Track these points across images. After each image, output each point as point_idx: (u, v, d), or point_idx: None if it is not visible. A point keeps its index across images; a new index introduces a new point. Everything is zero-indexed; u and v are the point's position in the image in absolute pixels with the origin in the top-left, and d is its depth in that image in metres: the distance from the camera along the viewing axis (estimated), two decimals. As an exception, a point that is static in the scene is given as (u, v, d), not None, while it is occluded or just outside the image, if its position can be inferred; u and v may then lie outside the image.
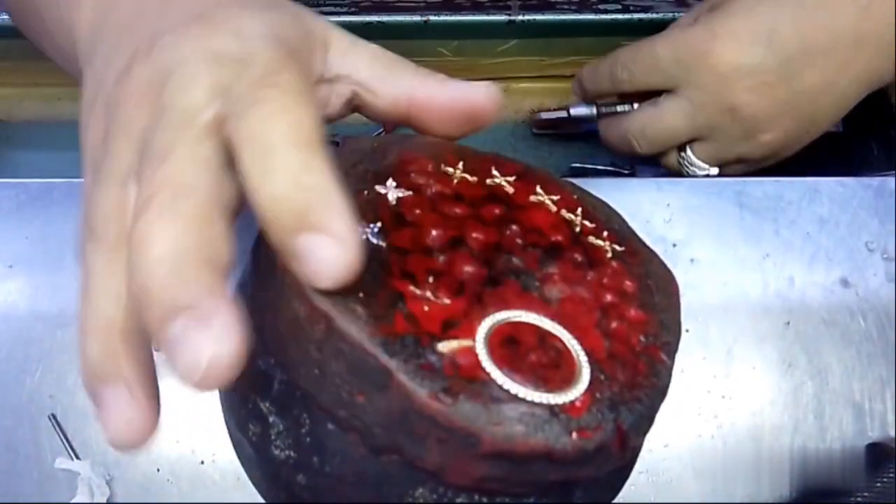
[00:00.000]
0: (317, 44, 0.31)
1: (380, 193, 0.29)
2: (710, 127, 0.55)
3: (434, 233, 0.29)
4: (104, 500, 0.48)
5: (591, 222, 0.32)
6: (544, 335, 0.27)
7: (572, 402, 0.25)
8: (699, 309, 0.51)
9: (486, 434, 0.24)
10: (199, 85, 0.26)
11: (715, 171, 0.58)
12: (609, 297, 0.29)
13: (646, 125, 0.57)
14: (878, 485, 0.45)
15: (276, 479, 0.28)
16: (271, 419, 0.27)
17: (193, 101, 0.26)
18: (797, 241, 0.52)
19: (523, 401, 0.25)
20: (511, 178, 0.32)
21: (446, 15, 0.65)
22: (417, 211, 0.29)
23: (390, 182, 0.30)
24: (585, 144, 0.70)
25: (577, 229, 0.31)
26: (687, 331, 0.50)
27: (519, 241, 0.30)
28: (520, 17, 0.65)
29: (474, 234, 0.29)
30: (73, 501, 0.48)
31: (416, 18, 0.65)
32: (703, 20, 0.54)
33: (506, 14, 0.65)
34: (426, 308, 0.26)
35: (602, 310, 0.29)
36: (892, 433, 0.49)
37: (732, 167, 0.58)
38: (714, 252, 0.52)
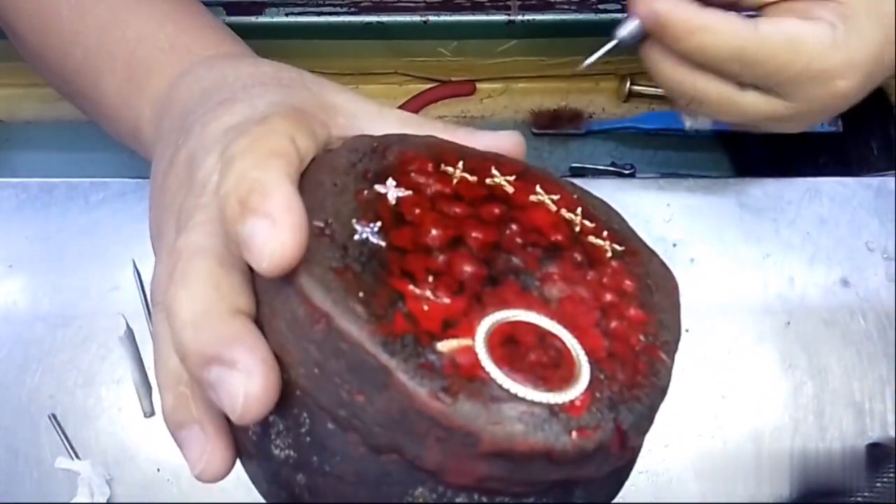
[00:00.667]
0: (334, 112, 0.33)
1: (379, 193, 0.29)
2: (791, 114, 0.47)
3: (434, 232, 0.28)
4: (104, 500, 0.48)
5: (591, 222, 0.32)
6: (544, 334, 0.27)
7: (572, 402, 0.25)
8: (699, 309, 0.51)
9: (486, 433, 0.24)
10: (210, 157, 0.30)
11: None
12: (609, 297, 0.29)
13: (722, 111, 0.47)
14: (878, 485, 0.45)
15: (276, 478, 0.28)
16: (271, 418, 0.27)
17: (205, 171, 0.29)
18: (797, 241, 0.52)
19: (523, 400, 0.25)
20: (511, 178, 0.32)
21: (446, 15, 0.65)
22: (417, 210, 0.29)
23: (390, 181, 0.29)
24: (585, 144, 0.70)
25: (577, 229, 0.31)
26: (687, 331, 0.51)
27: (518, 240, 0.29)
28: (519, 18, 0.65)
29: (474, 234, 0.29)
30: (73, 501, 0.48)
31: (416, 19, 0.65)
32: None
33: (505, 14, 0.65)
34: (426, 307, 0.26)
35: (602, 309, 0.29)
36: (892, 433, 0.49)
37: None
38: (714, 252, 0.52)
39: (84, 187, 0.53)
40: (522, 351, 0.26)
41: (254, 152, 0.26)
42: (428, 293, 0.26)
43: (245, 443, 0.29)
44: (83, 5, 0.44)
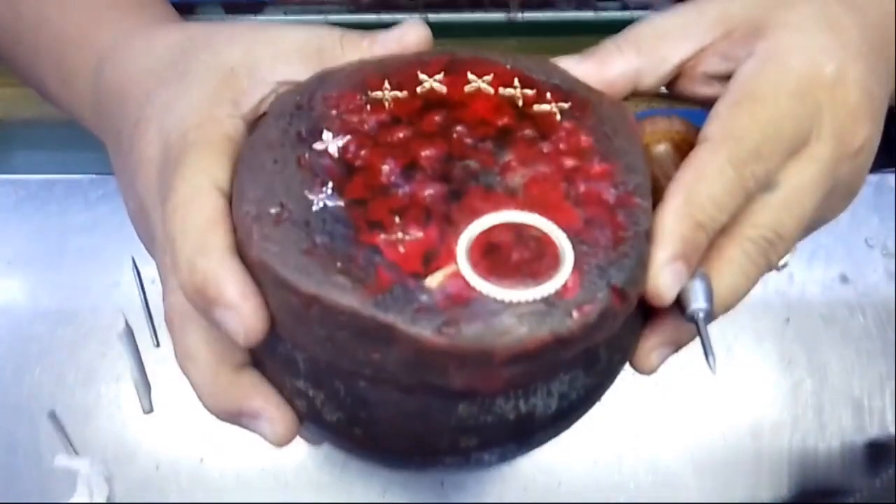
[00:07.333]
0: (235, 79, 0.33)
1: (320, 151, 0.30)
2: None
3: (385, 168, 0.29)
4: (104, 498, 0.48)
5: (532, 88, 0.32)
6: (520, 229, 0.28)
7: (564, 286, 0.26)
8: (698, 306, 0.51)
9: (497, 346, 0.25)
10: (156, 210, 0.31)
11: None
12: (570, 162, 0.30)
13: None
14: (878, 483, 0.46)
15: (336, 435, 0.30)
16: (311, 393, 0.29)
17: (156, 227, 0.31)
18: (796, 239, 0.53)
19: (518, 304, 0.26)
20: (440, 77, 0.32)
21: (445, 13, 0.65)
22: (363, 152, 0.30)
23: (326, 134, 0.30)
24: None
25: (520, 103, 0.32)
26: (686, 328, 0.51)
27: (468, 140, 0.30)
28: (519, 16, 0.65)
29: (424, 153, 0.30)
30: (72, 500, 0.48)
31: (416, 17, 0.65)
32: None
33: (505, 12, 0.65)
34: (402, 249, 0.27)
35: (566, 179, 0.29)
36: (892, 430, 0.49)
37: None
38: (713, 249, 0.52)
39: (83, 184, 0.53)
40: (504, 254, 0.27)
41: (192, 231, 0.28)
42: (399, 235, 0.28)
43: (299, 411, 0.31)
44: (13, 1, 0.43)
